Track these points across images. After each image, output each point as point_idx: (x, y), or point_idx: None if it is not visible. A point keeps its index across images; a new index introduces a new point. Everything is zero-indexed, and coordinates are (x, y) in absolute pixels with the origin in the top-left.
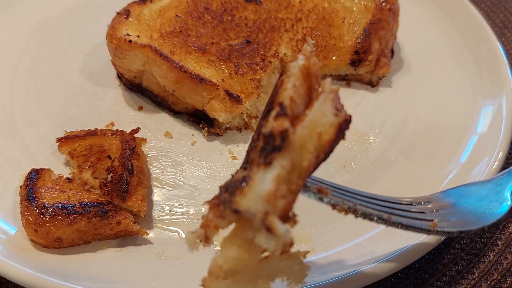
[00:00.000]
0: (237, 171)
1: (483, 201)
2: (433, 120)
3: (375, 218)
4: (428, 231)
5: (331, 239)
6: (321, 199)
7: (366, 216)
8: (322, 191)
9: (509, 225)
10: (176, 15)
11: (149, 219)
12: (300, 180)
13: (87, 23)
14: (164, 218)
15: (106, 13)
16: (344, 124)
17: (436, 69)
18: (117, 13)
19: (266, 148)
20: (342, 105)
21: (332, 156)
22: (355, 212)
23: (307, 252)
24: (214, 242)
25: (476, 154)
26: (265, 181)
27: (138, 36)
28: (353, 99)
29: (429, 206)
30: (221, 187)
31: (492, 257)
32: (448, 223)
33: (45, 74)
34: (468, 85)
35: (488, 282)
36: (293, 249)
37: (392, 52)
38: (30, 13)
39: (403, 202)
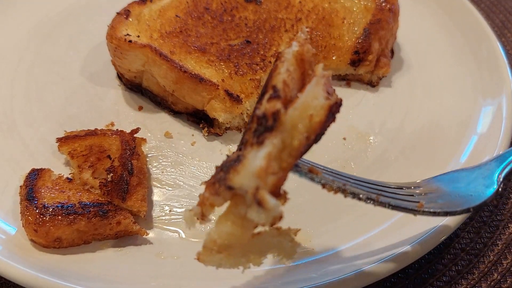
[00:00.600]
0: (233, 153)
1: (471, 185)
2: (433, 120)
3: (364, 198)
4: (414, 211)
5: (331, 239)
6: (312, 179)
7: (354, 195)
8: (313, 171)
9: (509, 225)
10: (176, 15)
11: (149, 219)
12: (291, 158)
13: (87, 23)
14: (164, 218)
15: (106, 13)
16: (334, 107)
17: (436, 69)
18: (117, 13)
19: (259, 129)
20: (334, 89)
21: (332, 156)
22: (344, 192)
23: (298, 230)
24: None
25: (476, 154)
26: (257, 158)
27: (138, 36)
28: (353, 99)
29: (418, 190)
30: (217, 167)
31: (492, 257)
32: (435, 204)
33: (45, 74)
34: (468, 85)
35: (488, 282)
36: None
37: (392, 52)
38: (30, 13)
39: (392, 186)
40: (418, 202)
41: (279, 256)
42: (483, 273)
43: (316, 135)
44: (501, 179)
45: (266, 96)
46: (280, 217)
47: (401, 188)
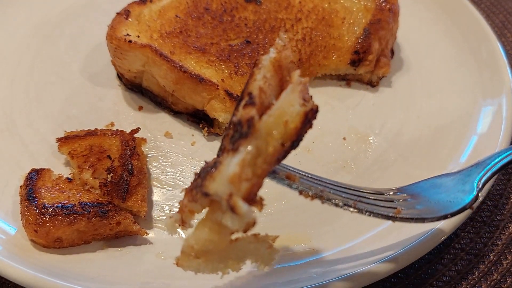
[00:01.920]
0: (212, 159)
1: (450, 191)
2: (433, 120)
3: (340, 204)
4: (391, 218)
5: (331, 239)
6: (289, 186)
7: (331, 201)
8: (290, 178)
9: (509, 225)
10: (176, 16)
11: (149, 219)
12: (266, 165)
13: (87, 23)
14: (164, 218)
15: (106, 14)
16: (310, 114)
17: (436, 69)
18: (117, 13)
19: (235, 135)
20: (311, 96)
21: (332, 156)
22: (321, 198)
23: (277, 237)
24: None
25: (476, 154)
26: (231, 165)
27: (138, 37)
28: (353, 99)
29: (398, 196)
30: (195, 174)
31: (492, 257)
32: (413, 210)
33: (45, 74)
34: (468, 85)
35: (488, 282)
36: (295, 248)
37: (392, 52)
38: (30, 14)
39: (372, 192)
40: (396, 208)
41: (257, 263)
42: (483, 273)
43: (292, 141)
44: (480, 186)
45: (242, 103)
46: (253, 223)
47: (382, 194)
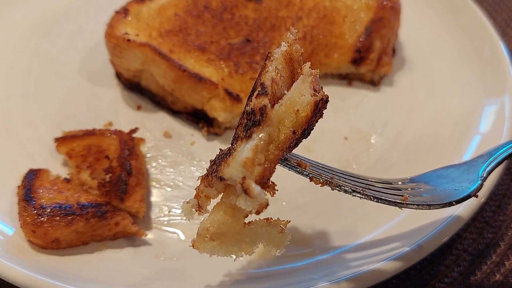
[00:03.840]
0: (226, 147)
1: (456, 181)
2: (435, 120)
3: (350, 190)
4: (398, 204)
5: (333, 240)
6: (300, 172)
7: (341, 188)
8: (301, 165)
9: (511, 225)
10: (176, 14)
11: (148, 220)
12: (277, 151)
13: (85, 22)
14: (163, 219)
15: (104, 12)
16: (320, 103)
17: (438, 68)
18: (116, 11)
19: (248, 123)
20: (321, 87)
21: (333, 156)
22: (331, 184)
23: (288, 222)
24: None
25: (478, 153)
26: (244, 150)
27: (137, 35)
28: (355, 99)
29: (406, 185)
30: (211, 161)
31: (494, 258)
32: (420, 198)
33: (43, 73)
34: (470, 84)
35: (491, 283)
36: (296, 250)
37: (394, 51)
38: (28, 12)
39: (380, 181)
40: (403, 196)
41: (269, 246)
42: (485, 274)
43: (303, 129)
44: (484, 175)
45: (255, 93)
46: (265, 205)
47: (390, 183)
